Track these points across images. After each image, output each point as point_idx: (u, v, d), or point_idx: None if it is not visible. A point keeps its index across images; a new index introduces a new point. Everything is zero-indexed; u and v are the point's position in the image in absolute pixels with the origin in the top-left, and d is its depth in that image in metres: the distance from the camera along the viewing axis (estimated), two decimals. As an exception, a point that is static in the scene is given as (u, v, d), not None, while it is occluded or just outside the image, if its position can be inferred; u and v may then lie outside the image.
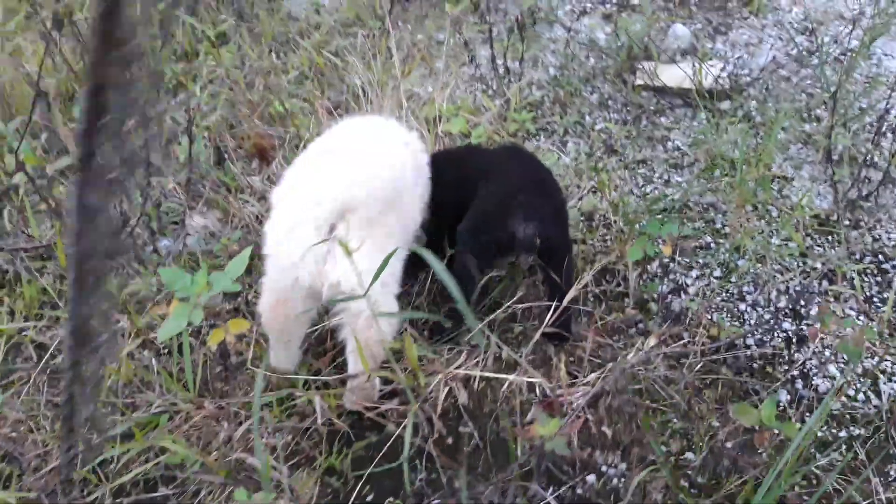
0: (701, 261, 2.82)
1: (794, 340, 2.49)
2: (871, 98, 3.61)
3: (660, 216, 2.96)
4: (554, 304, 2.26)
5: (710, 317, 2.55)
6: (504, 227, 2.27)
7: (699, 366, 2.32)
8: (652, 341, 2.13)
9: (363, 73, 3.36)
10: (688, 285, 2.71)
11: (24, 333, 2.49)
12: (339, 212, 1.90)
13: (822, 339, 2.38)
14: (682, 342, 2.26)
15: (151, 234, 2.68)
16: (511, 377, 2.17)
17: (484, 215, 2.33)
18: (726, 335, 2.40)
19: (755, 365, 2.40)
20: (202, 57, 3.81)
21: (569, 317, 2.35)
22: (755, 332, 2.50)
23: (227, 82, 3.53)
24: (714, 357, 2.33)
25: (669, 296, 2.66)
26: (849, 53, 3.89)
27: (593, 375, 2.22)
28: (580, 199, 3.05)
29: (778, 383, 2.29)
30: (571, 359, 2.34)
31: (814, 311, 2.60)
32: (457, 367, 2.22)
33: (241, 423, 2.10)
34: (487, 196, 2.37)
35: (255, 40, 4.20)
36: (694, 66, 3.68)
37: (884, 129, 3.35)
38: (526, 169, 2.54)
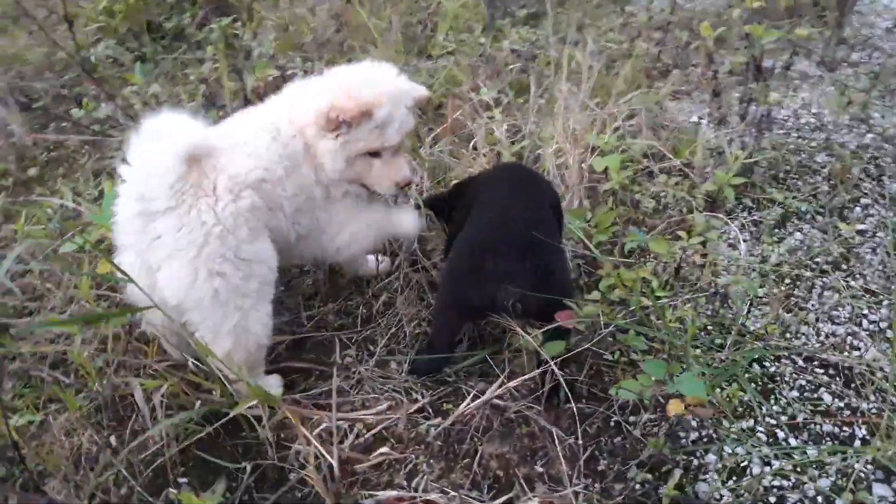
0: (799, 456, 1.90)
1: None
2: None
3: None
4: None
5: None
6: (481, 289, 1.86)
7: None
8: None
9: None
10: (752, 474, 1.86)
11: None
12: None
13: None
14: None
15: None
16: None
17: (460, 270, 1.96)
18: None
19: None
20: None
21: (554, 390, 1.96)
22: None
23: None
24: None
25: (711, 472, 1.87)
26: None
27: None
28: (714, 294, 2.29)
29: None
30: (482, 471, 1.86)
31: None
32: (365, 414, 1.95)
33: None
34: (468, 238, 1.98)
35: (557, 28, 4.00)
36: None
37: None
38: (517, 202, 2.04)
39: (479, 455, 1.87)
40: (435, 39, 3.81)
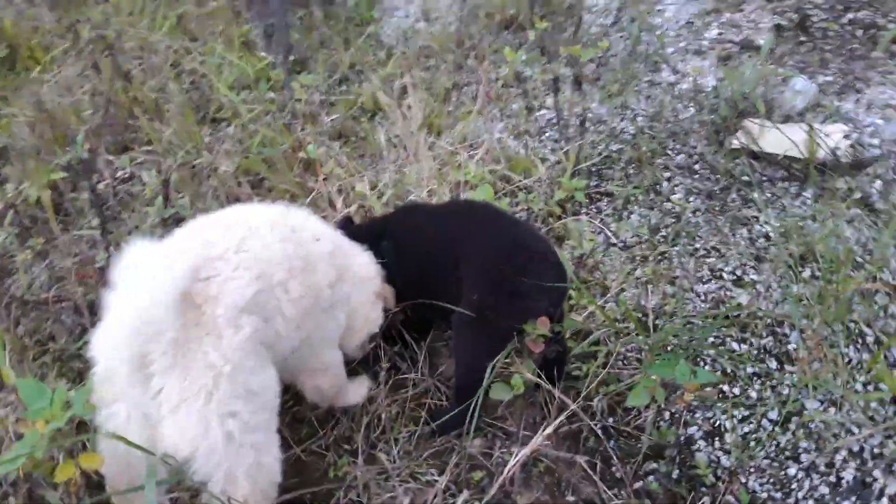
0: (755, 394, 2.25)
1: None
2: None
3: (715, 325, 2.43)
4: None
5: (743, 480, 2.00)
6: (523, 308, 1.97)
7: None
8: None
9: (403, 123, 3.00)
10: (727, 430, 2.16)
11: None
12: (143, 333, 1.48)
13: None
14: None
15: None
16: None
17: (495, 301, 1.99)
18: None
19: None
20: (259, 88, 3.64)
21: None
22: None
23: (267, 119, 3.33)
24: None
25: (700, 441, 2.13)
26: None
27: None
28: (620, 292, 2.55)
29: None
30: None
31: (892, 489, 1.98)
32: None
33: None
34: (488, 272, 2.03)
35: (332, 69, 4.00)
36: (809, 130, 3.02)
37: None
38: (503, 222, 2.20)
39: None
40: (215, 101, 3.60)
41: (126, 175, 3.17)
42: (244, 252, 1.67)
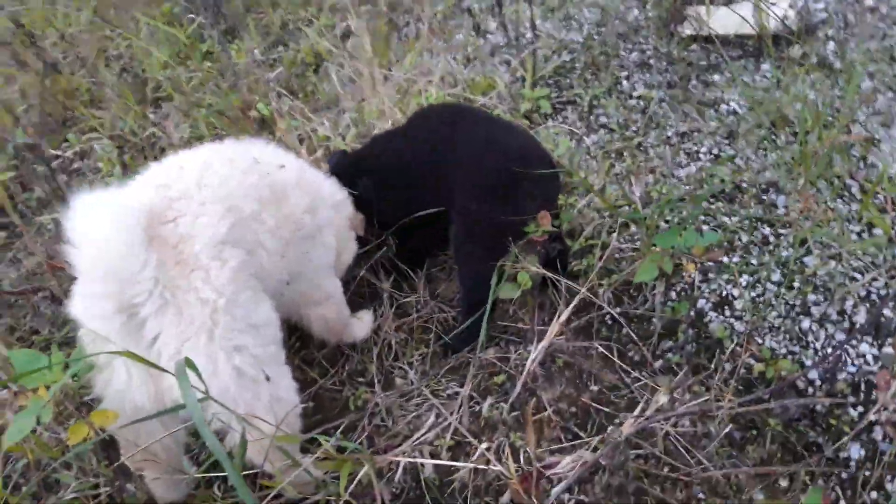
0: (755, 261, 2.24)
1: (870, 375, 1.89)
2: None
3: (704, 203, 2.42)
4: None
5: (760, 341, 2.00)
6: (520, 210, 1.90)
7: (735, 417, 1.79)
8: (661, 398, 1.61)
9: (351, 65, 2.90)
10: (734, 297, 2.15)
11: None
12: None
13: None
14: (699, 400, 1.72)
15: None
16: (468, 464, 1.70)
17: (493, 204, 1.94)
18: (779, 371, 1.85)
19: (819, 408, 1.83)
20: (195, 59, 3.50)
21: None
22: (821, 362, 1.92)
23: (212, 87, 3.19)
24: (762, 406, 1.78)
25: (711, 313, 2.12)
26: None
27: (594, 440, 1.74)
28: (602, 188, 2.52)
29: (847, 438, 1.73)
30: (559, 418, 1.86)
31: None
32: (423, 434, 1.79)
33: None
34: (480, 174, 1.99)
35: (264, 32, 3.86)
36: (756, 3, 3.00)
37: None
38: (490, 126, 2.14)
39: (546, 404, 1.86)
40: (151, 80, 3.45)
41: (77, 154, 3.02)
42: (206, 188, 1.57)
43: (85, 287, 1.43)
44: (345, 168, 2.22)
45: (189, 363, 1.27)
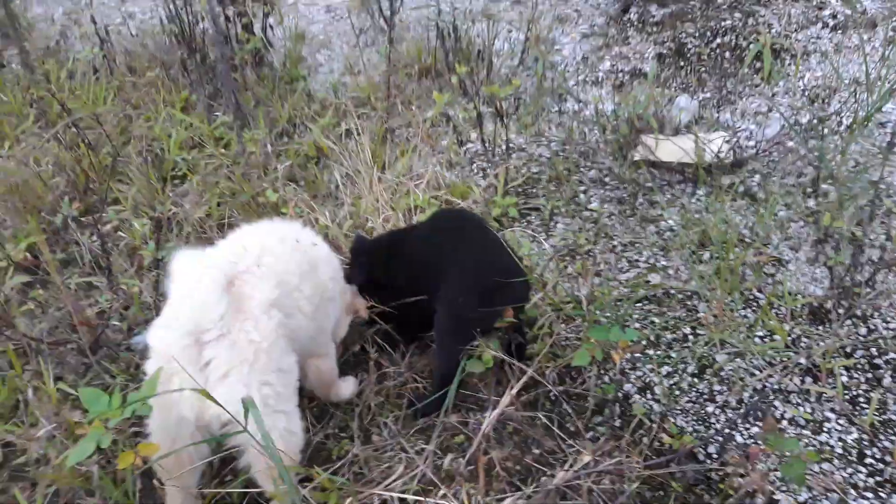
0: (675, 354, 2.71)
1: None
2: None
3: (637, 304, 2.91)
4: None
5: (672, 420, 2.45)
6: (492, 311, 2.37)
7: (647, 479, 2.22)
8: (586, 457, 2.05)
9: (350, 162, 3.41)
10: (655, 384, 2.61)
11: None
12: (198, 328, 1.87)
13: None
14: (614, 460, 2.16)
15: (128, 331, 2.80)
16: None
17: (472, 302, 2.38)
18: (684, 445, 2.29)
19: (714, 476, 2.27)
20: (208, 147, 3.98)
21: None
22: (715, 439, 2.37)
23: (226, 172, 3.67)
24: (666, 470, 2.23)
25: (636, 395, 2.57)
26: (852, 123, 3.71)
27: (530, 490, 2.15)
28: (554, 286, 3.00)
29: (731, 500, 2.16)
30: (506, 473, 2.28)
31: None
32: (394, 481, 2.20)
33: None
34: (471, 274, 2.43)
35: (272, 124, 4.37)
36: (696, 139, 3.59)
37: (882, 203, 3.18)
38: (484, 235, 2.58)
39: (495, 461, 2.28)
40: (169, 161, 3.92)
41: (112, 227, 3.46)
42: (264, 266, 2.09)
43: (168, 318, 1.93)
44: (363, 250, 2.72)
45: (251, 402, 1.71)
